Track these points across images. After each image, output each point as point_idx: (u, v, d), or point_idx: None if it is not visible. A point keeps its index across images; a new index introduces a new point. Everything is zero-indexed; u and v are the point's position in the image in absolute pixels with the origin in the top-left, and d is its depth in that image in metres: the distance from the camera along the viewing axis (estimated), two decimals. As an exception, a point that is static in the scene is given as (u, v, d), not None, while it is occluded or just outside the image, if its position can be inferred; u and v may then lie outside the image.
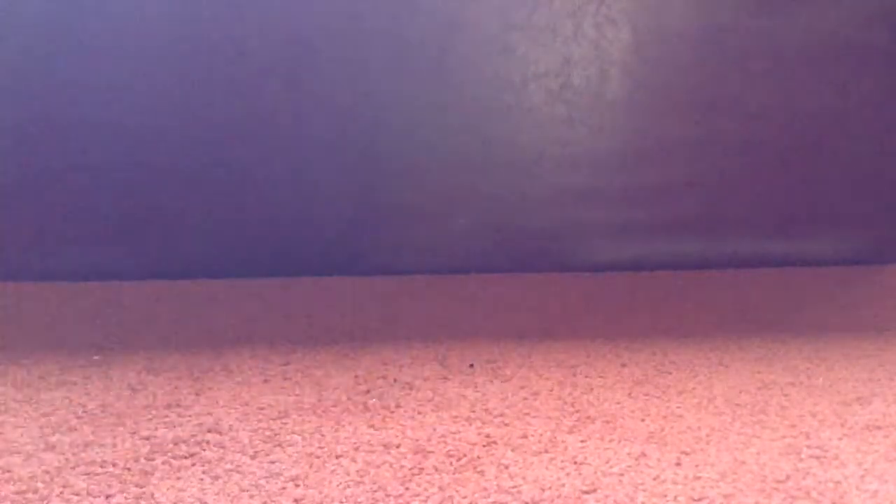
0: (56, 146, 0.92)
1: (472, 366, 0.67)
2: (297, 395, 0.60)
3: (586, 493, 0.47)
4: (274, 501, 0.47)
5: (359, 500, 0.47)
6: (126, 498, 0.47)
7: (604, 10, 0.93)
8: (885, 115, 0.98)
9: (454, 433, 0.55)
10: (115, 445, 0.54)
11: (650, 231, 0.98)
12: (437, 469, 0.50)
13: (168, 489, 0.48)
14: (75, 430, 0.56)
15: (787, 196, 0.99)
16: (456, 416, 0.58)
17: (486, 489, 0.48)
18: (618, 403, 0.60)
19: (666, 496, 0.47)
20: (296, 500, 0.47)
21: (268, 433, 0.55)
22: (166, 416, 0.58)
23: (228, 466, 0.51)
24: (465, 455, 0.52)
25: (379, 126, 0.84)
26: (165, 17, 0.90)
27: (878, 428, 0.56)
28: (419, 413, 0.58)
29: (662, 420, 0.57)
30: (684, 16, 0.94)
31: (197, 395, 0.62)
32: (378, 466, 0.50)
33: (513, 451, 0.52)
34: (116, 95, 0.92)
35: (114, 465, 0.51)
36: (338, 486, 0.48)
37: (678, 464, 0.51)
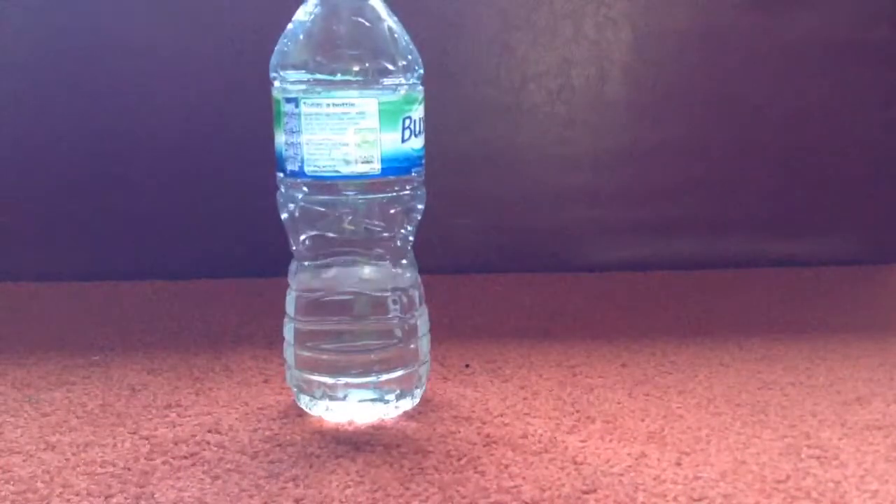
0: (55, 145, 0.92)
1: (467, 366, 0.67)
2: (297, 395, 0.60)
3: (586, 493, 0.47)
4: (274, 501, 0.47)
5: (359, 500, 0.47)
6: (126, 498, 0.47)
7: (604, 10, 0.93)
8: (886, 115, 0.98)
9: (454, 433, 0.55)
10: (115, 445, 0.54)
11: (650, 231, 0.98)
12: (437, 469, 0.50)
13: (168, 489, 0.48)
14: (75, 430, 0.56)
15: (787, 196, 0.99)
16: (456, 416, 0.58)
17: (486, 489, 0.48)
18: (618, 403, 0.60)
19: (666, 496, 0.47)
20: (296, 500, 0.47)
21: (268, 433, 0.55)
22: (166, 416, 0.58)
23: (228, 466, 0.51)
24: (465, 455, 0.52)
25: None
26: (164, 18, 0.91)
27: (878, 428, 0.56)
28: (419, 413, 0.58)
29: (662, 420, 0.57)
30: (684, 16, 0.94)
31: (197, 395, 0.62)
32: (378, 466, 0.50)
33: (513, 451, 0.52)
34: (114, 94, 0.92)
35: (114, 465, 0.51)
36: (338, 486, 0.48)
37: (678, 464, 0.51)
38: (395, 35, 0.55)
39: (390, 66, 0.54)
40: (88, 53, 0.91)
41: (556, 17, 0.93)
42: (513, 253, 0.98)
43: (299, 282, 0.58)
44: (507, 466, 0.50)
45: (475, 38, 0.93)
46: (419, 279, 0.59)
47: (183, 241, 0.95)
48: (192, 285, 0.91)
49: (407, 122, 0.54)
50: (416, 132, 0.55)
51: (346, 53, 0.53)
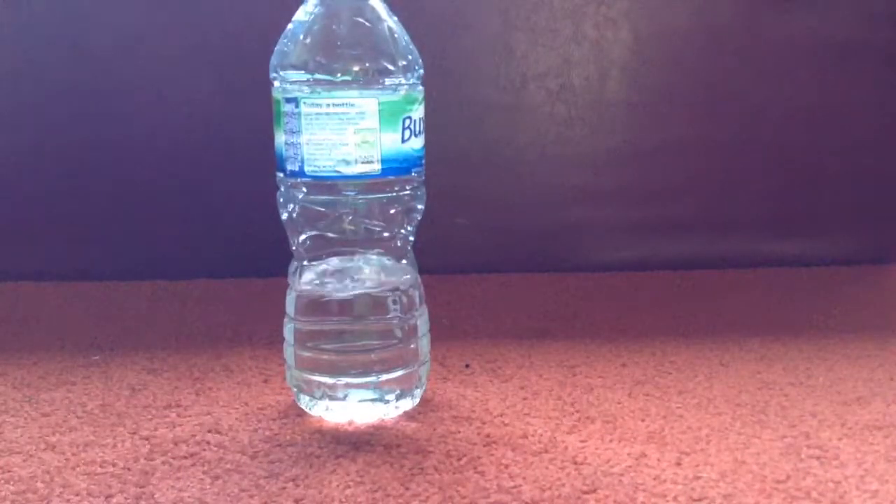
0: (56, 145, 0.92)
1: (467, 366, 0.67)
2: (297, 395, 0.60)
3: (586, 493, 0.47)
4: (274, 501, 0.47)
5: (359, 500, 0.47)
6: (126, 498, 0.47)
7: (604, 10, 0.93)
8: (885, 115, 0.98)
9: (454, 433, 0.55)
10: (115, 445, 0.54)
11: (650, 231, 0.98)
12: (437, 469, 0.50)
13: (168, 489, 0.48)
14: (75, 430, 0.56)
15: (787, 196, 0.98)
16: (456, 416, 0.58)
17: (486, 489, 0.48)
18: (618, 403, 0.60)
19: (666, 496, 0.47)
20: (296, 500, 0.47)
21: (268, 433, 0.55)
22: (166, 416, 0.58)
23: (228, 466, 0.51)
24: (465, 455, 0.52)
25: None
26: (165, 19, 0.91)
27: (878, 428, 0.56)
28: (419, 413, 0.58)
29: (662, 420, 0.57)
30: (684, 16, 0.94)
31: (197, 395, 0.62)
32: (378, 466, 0.50)
33: (513, 451, 0.52)
34: (114, 94, 0.92)
35: (114, 465, 0.51)
36: (338, 486, 0.48)
37: (678, 464, 0.51)
38: (395, 35, 0.55)
39: (390, 66, 0.54)
40: (88, 53, 0.91)
41: (556, 17, 0.93)
42: (513, 253, 0.98)
43: (299, 282, 0.58)
44: (507, 466, 0.50)
45: (475, 38, 0.93)
46: (419, 279, 0.59)
47: (183, 241, 0.95)
48: (192, 285, 0.91)
49: (407, 122, 0.54)
50: (416, 132, 0.55)
51: (347, 53, 0.53)
